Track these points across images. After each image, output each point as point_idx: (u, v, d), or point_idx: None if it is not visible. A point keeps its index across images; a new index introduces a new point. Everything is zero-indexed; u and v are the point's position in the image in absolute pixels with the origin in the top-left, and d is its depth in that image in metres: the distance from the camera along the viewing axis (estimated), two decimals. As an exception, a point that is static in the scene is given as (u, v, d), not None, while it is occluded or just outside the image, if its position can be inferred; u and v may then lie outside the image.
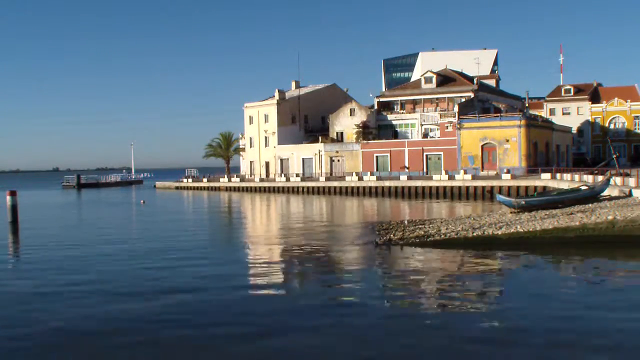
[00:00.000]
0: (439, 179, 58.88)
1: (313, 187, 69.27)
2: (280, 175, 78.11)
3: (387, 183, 62.48)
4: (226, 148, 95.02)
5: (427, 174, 68.12)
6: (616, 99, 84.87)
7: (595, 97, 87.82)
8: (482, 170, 64.59)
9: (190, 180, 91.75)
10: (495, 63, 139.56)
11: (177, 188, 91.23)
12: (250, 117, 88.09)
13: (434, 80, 78.56)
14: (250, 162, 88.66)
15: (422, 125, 76.44)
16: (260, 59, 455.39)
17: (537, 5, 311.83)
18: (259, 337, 13.10)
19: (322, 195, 65.82)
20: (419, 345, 12.36)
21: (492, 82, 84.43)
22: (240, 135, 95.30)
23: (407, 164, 70.06)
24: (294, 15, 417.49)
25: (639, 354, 11.75)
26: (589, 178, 40.74)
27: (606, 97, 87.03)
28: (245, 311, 15.30)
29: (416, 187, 59.50)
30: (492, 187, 53.79)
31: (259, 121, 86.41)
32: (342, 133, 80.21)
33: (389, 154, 72.55)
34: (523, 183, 52.77)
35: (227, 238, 32.85)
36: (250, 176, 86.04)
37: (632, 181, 33.68)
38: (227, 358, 12.00)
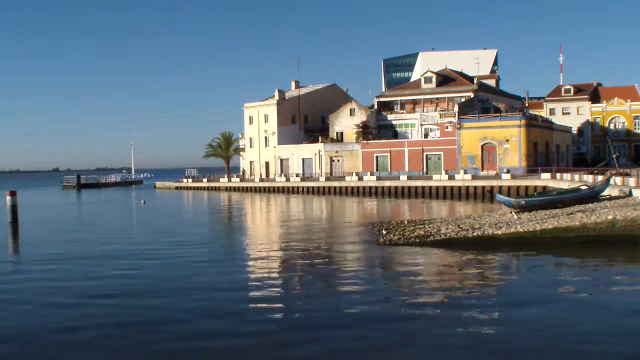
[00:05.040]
0: (439, 179, 58.87)
1: (313, 187, 69.26)
2: (280, 175, 78.10)
3: (387, 183, 62.47)
4: (226, 148, 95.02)
5: (427, 174, 68.12)
6: (616, 98, 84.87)
7: (595, 97, 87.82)
8: (482, 170, 64.60)
9: (190, 180, 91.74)
10: (495, 63, 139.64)
11: (177, 188, 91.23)
12: (250, 117, 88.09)
13: (434, 80, 78.56)
14: (250, 162, 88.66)
15: (422, 125, 76.44)
16: (260, 58, 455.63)
17: (537, 5, 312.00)
18: (259, 337, 13.10)
19: (322, 195, 65.81)
20: (419, 345, 12.36)
21: (492, 82, 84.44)
22: (240, 135, 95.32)
23: (407, 163, 70.01)
24: (294, 15, 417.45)
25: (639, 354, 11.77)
26: (589, 178, 40.72)
27: (606, 97, 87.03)
28: (245, 311, 15.30)
29: (416, 187, 59.51)
30: (492, 187, 53.78)
31: (259, 121, 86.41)
32: (342, 133, 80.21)
33: (389, 154, 72.55)
34: (523, 183, 52.76)
35: (227, 238, 32.84)
36: (250, 176, 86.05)
37: (632, 181, 33.65)
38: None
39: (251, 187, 76.52)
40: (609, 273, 19.47)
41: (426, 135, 75.42)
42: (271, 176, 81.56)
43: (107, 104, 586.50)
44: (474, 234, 25.11)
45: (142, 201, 64.36)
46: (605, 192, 33.02)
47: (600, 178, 36.08)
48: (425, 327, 13.57)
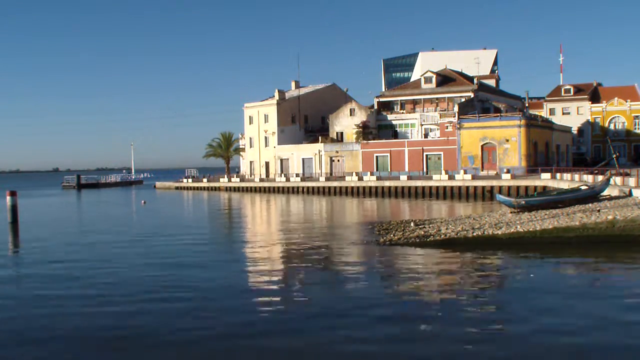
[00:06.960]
0: (439, 179, 58.87)
1: (313, 187, 69.25)
2: (280, 176, 78.10)
3: (387, 183, 62.46)
4: (226, 148, 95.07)
5: (427, 174, 68.12)
6: (616, 98, 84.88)
7: (595, 97, 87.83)
8: (482, 170, 64.60)
9: (190, 180, 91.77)
10: (495, 63, 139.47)
11: (177, 188, 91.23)
12: (250, 117, 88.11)
13: (434, 80, 78.57)
14: (250, 162, 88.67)
15: (422, 125, 76.44)
16: (260, 58, 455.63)
17: (537, 5, 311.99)
18: (258, 338, 13.10)
19: (322, 195, 65.80)
20: (419, 346, 12.36)
21: (492, 82, 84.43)
22: (240, 135, 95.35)
23: (407, 163, 70.00)
24: (294, 15, 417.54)
25: (639, 353, 11.78)
26: (589, 178, 40.73)
27: (606, 97, 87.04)
28: (244, 312, 15.30)
29: (416, 187, 59.50)
30: (492, 187, 53.78)
31: (259, 121, 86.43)
32: (342, 133, 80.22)
33: (389, 154, 72.56)
34: (523, 183, 52.76)
35: (227, 238, 32.84)
36: (250, 176, 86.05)
37: (632, 181, 33.66)
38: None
39: (251, 187, 76.51)
40: (609, 273, 19.48)
41: (426, 135, 75.42)
42: (271, 176, 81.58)
43: (107, 104, 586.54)
44: (474, 234, 25.11)
45: (142, 201, 64.34)
46: (605, 192, 33.03)
47: (600, 178, 36.09)
48: (425, 327, 13.56)
